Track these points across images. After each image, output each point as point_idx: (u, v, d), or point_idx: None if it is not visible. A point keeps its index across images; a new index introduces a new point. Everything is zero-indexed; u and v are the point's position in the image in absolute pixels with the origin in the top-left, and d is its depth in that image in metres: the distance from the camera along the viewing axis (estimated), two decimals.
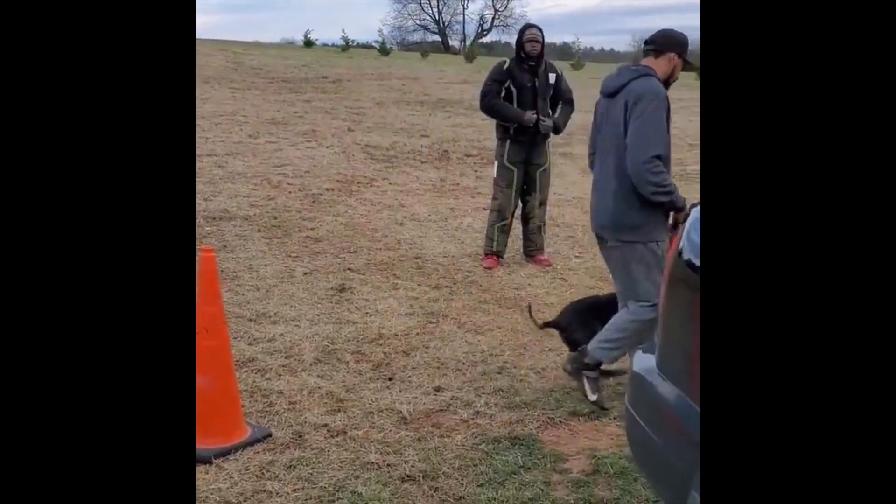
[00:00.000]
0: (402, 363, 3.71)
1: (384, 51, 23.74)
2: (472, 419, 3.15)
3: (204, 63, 13.74)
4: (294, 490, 2.59)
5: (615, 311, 3.38)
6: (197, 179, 6.30)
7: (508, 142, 5.39)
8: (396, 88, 14.13)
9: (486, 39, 47.23)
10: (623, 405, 3.14)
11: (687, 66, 3.28)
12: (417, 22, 47.77)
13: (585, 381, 3.32)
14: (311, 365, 3.62)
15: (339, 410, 3.18)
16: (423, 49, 29.59)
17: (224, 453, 2.77)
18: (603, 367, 3.36)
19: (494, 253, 5.45)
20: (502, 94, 5.33)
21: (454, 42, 46.47)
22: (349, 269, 5.16)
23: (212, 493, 2.55)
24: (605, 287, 4.91)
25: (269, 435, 2.94)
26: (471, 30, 48.69)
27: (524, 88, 5.30)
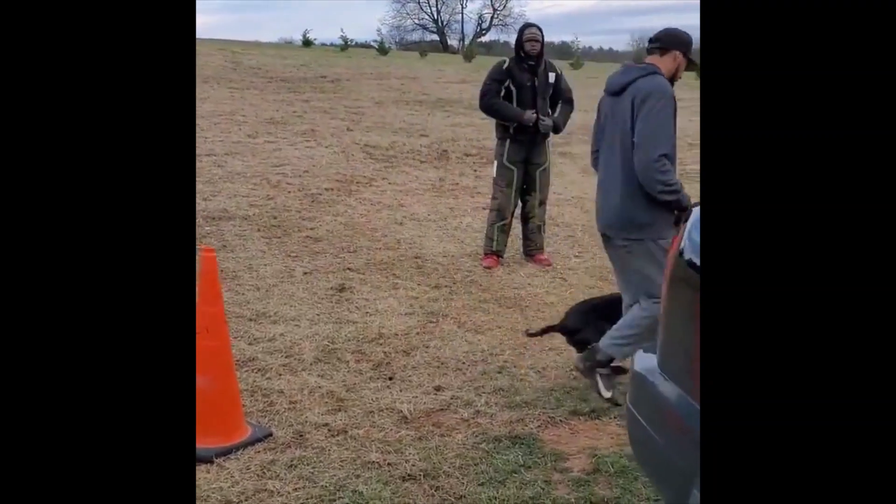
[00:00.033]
0: (402, 362, 3.71)
1: (383, 50, 23.70)
2: (473, 418, 3.16)
3: (203, 63, 13.73)
4: (295, 489, 2.60)
5: (619, 309, 3.38)
6: (196, 179, 6.29)
7: (508, 141, 5.39)
8: (395, 88, 14.13)
9: (484, 39, 47.22)
10: (623, 404, 3.15)
11: (690, 64, 3.28)
12: (416, 21, 47.78)
13: (599, 378, 3.33)
14: (311, 364, 3.63)
15: (340, 410, 3.18)
16: (422, 48, 29.56)
17: (225, 453, 2.77)
18: (615, 363, 3.36)
19: (494, 252, 5.45)
20: (502, 93, 5.33)
21: (453, 41, 46.47)
22: (349, 268, 5.17)
23: (213, 493, 2.55)
24: (605, 286, 4.92)
25: (270, 434, 2.94)
26: (469, 29, 48.68)
27: (524, 88, 5.31)
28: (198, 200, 6.16)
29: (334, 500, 2.55)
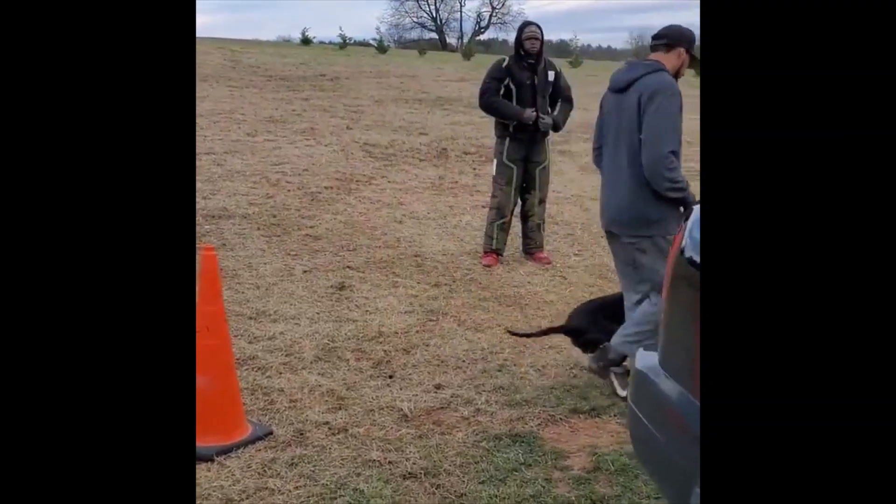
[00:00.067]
0: (402, 361, 3.72)
1: (381, 48, 23.66)
2: (473, 416, 3.16)
3: (202, 61, 13.71)
4: (296, 487, 2.60)
5: (622, 308, 3.38)
6: (196, 178, 6.29)
7: (508, 139, 5.39)
8: (395, 86, 14.12)
9: (483, 37, 47.15)
10: (623, 402, 3.15)
11: (693, 61, 3.28)
12: (414, 19, 47.73)
13: (614, 377, 3.33)
14: (311, 363, 3.63)
15: (340, 408, 3.19)
16: (421, 47, 29.55)
17: (225, 451, 2.78)
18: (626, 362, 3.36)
19: (494, 251, 5.45)
20: (501, 91, 5.33)
21: (451, 40, 46.39)
22: (349, 267, 5.17)
23: (214, 491, 2.55)
24: (605, 284, 4.93)
25: (271, 433, 2.94)
26: (468, 27, 48.61)
27: (523, 86, 5.31)
28: (197, 199, 6.16)
29: (335, 499, 2.55)
